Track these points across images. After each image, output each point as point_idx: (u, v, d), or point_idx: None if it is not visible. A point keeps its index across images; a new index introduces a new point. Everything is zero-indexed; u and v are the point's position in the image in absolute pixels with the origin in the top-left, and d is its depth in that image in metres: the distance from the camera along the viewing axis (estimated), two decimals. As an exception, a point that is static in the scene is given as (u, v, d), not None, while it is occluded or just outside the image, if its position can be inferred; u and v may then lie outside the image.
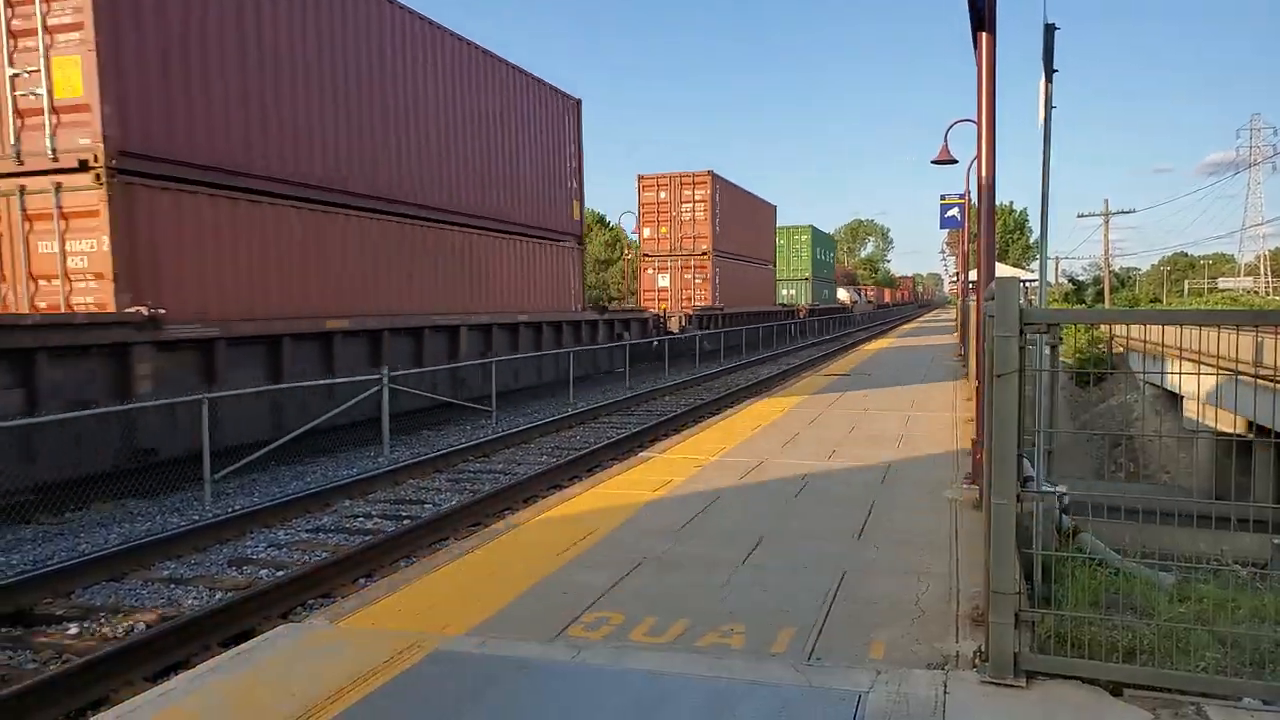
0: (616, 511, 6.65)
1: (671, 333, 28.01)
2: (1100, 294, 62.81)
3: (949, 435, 10.29)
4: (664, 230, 32.77)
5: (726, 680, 3.66)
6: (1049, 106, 7.00)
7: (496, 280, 18.11)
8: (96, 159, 9.84)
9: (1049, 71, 6.92)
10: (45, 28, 9.90)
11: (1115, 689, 3.44)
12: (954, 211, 23.09)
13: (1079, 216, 67.13)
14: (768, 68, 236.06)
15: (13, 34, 10.11)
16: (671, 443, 10.11)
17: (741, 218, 36.99)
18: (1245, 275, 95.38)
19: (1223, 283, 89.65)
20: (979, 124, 6.82)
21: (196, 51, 11.01)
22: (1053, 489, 4.23)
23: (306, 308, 12.76)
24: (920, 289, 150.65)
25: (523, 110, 19.33)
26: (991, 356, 3.68)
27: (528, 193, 19.56)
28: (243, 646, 4.26)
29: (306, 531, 8.71)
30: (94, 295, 10.18)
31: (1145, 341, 25.17)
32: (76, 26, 9.78)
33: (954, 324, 39.53)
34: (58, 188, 10.08)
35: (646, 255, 33.60)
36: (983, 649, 3.74)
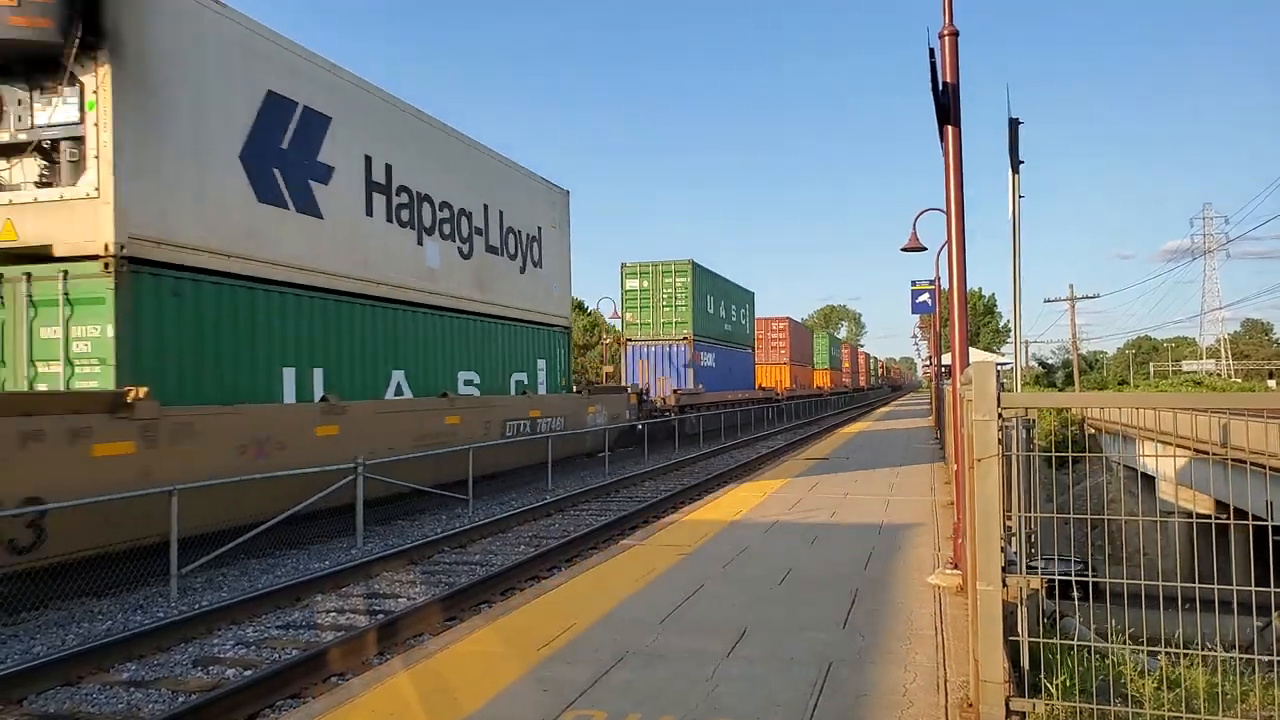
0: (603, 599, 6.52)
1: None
2: (1069, 377, 63.87)
3: (930, 519, 10.27)
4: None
5: (714, 780, 3.54)
6: (1017, 199, 7.25)
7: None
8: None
9: (1015, 164, 7.19)
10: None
11: (1111, 781, 3.37)
12: (925, 297, 23.60)
13: (1046, 301, 69.25)
14: (736, 150, 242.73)
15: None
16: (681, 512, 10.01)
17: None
18: (1208, 357, 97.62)
19: (1185, 365, 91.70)
20: (948, 213, 7.00)
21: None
22: (1037, 573, 4.22)
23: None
24: (900, 374, 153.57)
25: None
26: (970, 441, 3.72)
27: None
28: (208, 753, 4.07)
29: (277, 628, 8.42)
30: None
31: (1120, 424, 25.46)
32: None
33: (929, 406, 39.94)
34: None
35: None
36: (975, 741, 3.66)
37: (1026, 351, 75.50)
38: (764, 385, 45.50)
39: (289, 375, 12.45)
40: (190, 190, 10.80)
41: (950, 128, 6.82)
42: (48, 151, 10.14)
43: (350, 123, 13.84)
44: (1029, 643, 3.94)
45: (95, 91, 9.66)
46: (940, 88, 6.65)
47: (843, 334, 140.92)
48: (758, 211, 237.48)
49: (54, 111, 9.88)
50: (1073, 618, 5.53)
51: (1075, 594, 4.94)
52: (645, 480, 20.14)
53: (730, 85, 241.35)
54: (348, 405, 13.03)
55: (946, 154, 6.92)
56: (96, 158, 9.70)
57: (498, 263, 18.67)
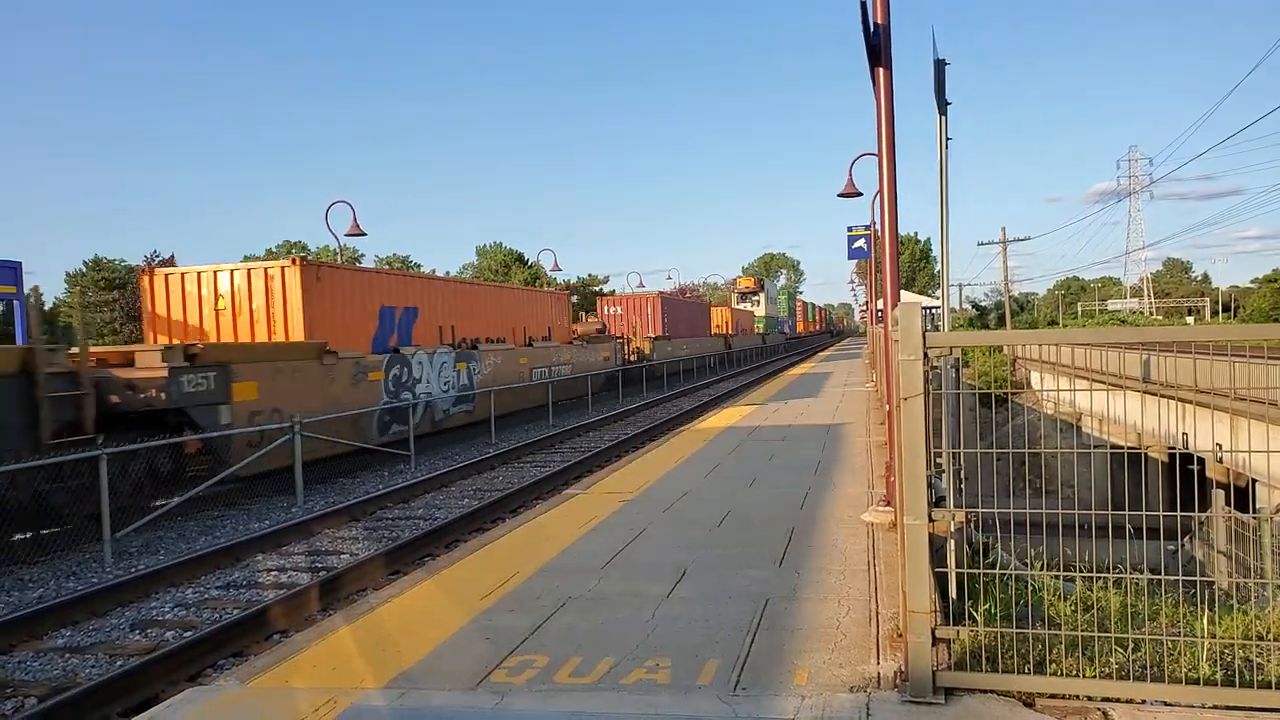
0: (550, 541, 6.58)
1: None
2: (1002, 318, 65.64)
3: (864, 460, 10.54)
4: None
5: (653, 716, 3.64)
6: (945, 141, 7.33)
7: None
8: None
9: (942, 106, 7.24)
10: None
11: (1029, 699, 3.55)
12: (861, 243, 23.89)
13: (979, 244, 71.54)
14: (664, 107, 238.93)
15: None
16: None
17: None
18: (1131, 296, 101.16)
19: (1111, 304, 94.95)
20: (880, 157, 7.01)
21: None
22: (963, 508, 4.37)
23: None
24: (839, 320, 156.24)
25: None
26: (899, 380, 3.80)
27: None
28: (144, 715, 4.03)
29: (217, 589, 8.32)
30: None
31: (1051, 363, 26.36)
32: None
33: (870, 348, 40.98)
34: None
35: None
36: (903, 669, 3.81)
37: (960, 294, 77.37)
38: (797, 332, 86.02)
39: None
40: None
41: (881, 70, 6.79)
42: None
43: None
44: (956, 573, 4.10)
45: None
46: (871, 29, 6.62)
47: (781, 282, 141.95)
48: (691, 162, 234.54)
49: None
50: (999, 549, 5.77)
51: (997, 527, 5.15)
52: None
53: (662, 31, 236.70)
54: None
55: (878, 97, 6.90)
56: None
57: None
